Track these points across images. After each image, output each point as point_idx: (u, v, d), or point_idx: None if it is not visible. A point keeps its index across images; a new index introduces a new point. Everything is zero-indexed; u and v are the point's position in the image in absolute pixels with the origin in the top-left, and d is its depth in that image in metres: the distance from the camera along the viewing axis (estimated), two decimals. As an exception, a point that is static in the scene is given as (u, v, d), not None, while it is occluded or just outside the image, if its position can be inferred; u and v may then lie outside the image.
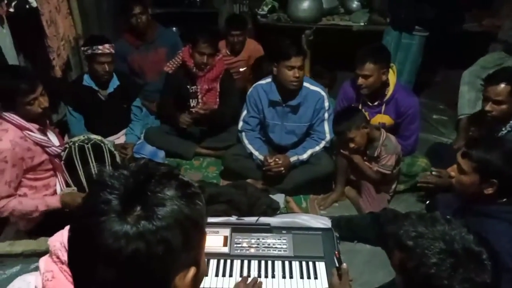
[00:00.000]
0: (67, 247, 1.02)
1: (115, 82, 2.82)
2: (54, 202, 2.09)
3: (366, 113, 2.57)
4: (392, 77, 2.57)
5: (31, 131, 2.03)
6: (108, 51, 2.65)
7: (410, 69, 3.36)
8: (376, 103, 2.61)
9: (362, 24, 3.80)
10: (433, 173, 2.39)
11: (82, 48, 2.73)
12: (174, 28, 3.89)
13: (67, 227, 1.13)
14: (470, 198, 1.72)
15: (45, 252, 2.23)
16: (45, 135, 2.13)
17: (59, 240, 1.05)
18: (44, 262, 1.06)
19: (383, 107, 2.59)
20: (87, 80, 2.77)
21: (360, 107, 2.63)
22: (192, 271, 0.66)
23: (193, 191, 0.66)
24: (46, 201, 2.08)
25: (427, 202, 2.52)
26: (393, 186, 2.62)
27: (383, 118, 2.61)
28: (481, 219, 1.59)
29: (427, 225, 1.05)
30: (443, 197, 2.17)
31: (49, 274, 1.02)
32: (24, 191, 2.09)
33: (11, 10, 2.18)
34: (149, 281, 0.61)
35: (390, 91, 2.57)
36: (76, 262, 0.64)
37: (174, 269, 0.63)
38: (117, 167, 0.65)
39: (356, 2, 4.02)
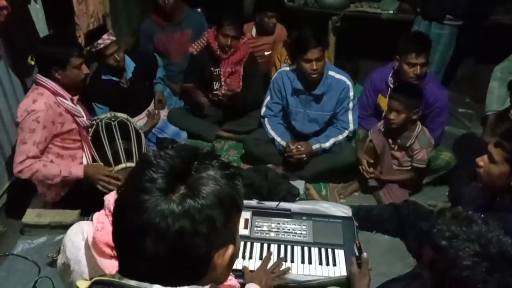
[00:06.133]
0: None
1: (130, 66, 2.78)
2: (78, 170, 2.13)
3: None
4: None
5: (64, 98, 2.11)
6: (110, 40, 2.52)
7: (438, 60, 3.27)
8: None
9: (391, 12, 3.71)
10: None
11: (85, 50, 2.51)
12: (199, 10, 3.87)
13: None
14: (496, 190, 1.70)
15: (71, 224, 2.32)
16: (76, 106, 2.19)
17: (113, 196, 1.11)
18: (97, 215, 1.13)
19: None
20: (104, 74, 2.69)
21: (387, 96, 2.60)
22: (230, 249, 0.68)
23: (232, 171, 0.68)
24: (70, 167, 2.12)
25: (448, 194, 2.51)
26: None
27: (410, 107, 2.58)
28: (506, 214, 1.57)
29: (462, 225, 1.02)
30: (470, 190, 2.15)
31: (100, 225, 1.07)
32: (51, 158, 2.14)
33: (45, -15, 2.21)
34: (191, 258, 0.63)
35: (420, 80, 2.53)
36: (121, 237, 0.66)
37: (215, 247, 0.65)
38: (162, 147, 0.67)
39: (386, -11, 3.92)
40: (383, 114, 2.68)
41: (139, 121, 2.87)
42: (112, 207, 1.10)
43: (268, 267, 1.72)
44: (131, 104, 2.82)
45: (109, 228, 1.08)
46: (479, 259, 0.97)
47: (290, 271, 1.78)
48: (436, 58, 3.24)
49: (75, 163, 2.22)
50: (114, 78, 2.73)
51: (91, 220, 1.15)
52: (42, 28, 2.33)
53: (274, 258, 1.83)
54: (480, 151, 1.76)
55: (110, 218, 1.09)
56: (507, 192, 1.64)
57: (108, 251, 1.06)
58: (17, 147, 2.05)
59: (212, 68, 3.00)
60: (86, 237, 1.15)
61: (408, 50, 2.41)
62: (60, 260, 1.29)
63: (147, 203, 0.61)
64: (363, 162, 2.53)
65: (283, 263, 1.80)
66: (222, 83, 3.01)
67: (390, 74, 2.63)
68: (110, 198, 1.11)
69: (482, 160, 1.71)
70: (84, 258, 1.17)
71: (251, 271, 1.71)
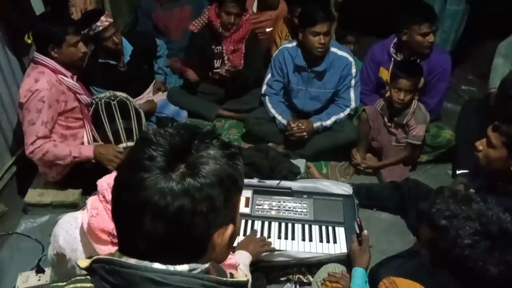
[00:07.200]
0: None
1: (128, 49, 2.72)
2: (88, 151, 2.14)
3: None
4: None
5: (65, 75, 2.10)
6: (108, 22, 2.46)
7: (454, 38, 3.18)
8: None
9: (395, -14, 3.62)
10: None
11: (82, 33, 2.36)
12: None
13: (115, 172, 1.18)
14: (494, 174, 1.69)
15: (73, 203, 2.34)
16: (76, 83, 2.17)
17: (107, 181, 1.10)
18: (91, 200, 1.12)
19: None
20: (101, 57, 2.65)
21: (390, 67, 2.56)
22: (230, 228, 0.68)
23: (233, 151, 0.67)
24: (80, 148, 2.14)
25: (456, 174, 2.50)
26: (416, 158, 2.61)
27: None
28: (504, 198, 1.57)
29: (461, 204, 1.01)
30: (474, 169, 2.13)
31: (94, 211, 1.07)
32: (54, 138, 2.13)
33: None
34: (190, 236, 0.63)
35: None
36: (121, 215, 0.66)
37: (214, 226, 0.65)
38: (162, 125, 0.66)
39: (389, -37, 3.81)
40: (386, 88, 2.65)
41: (138, 101, 2.85)
42: (105, 193, 1.09)
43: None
44: (129, 87, 2.75)
45: (103, 214, 1.07)
46: (480, 238, 0.96)
47: (287, 249, 1.81)
48: (452, 36, 3.15)
49: (84, 144, 2.23)
50: (111, 62, 2.68)
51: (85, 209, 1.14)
52: (37, 6, 2.28)
53: (272, 239, 1.86)
54: (484, 119, 1.74)
55: (104, 204, 1.09)
56: (506, 176, 1.64)
57: (104, 237, 1.05)
58: (25, 128, 2.05)
59: (213, 46, 2.95)
60: (81, 224, 1.14)
61: (420, 21, 2.38)
62: (51, 251, 1.25)
63: (147, 181, 0.60)
64: (356, 157, 2.57)
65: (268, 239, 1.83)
66: (226, 62, 2.97)
67: (392, 45, 2.60)
68: (103, 183, 1.10)
69: (481, 144, 1.69)
70: (80, 245, 1.16)
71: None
